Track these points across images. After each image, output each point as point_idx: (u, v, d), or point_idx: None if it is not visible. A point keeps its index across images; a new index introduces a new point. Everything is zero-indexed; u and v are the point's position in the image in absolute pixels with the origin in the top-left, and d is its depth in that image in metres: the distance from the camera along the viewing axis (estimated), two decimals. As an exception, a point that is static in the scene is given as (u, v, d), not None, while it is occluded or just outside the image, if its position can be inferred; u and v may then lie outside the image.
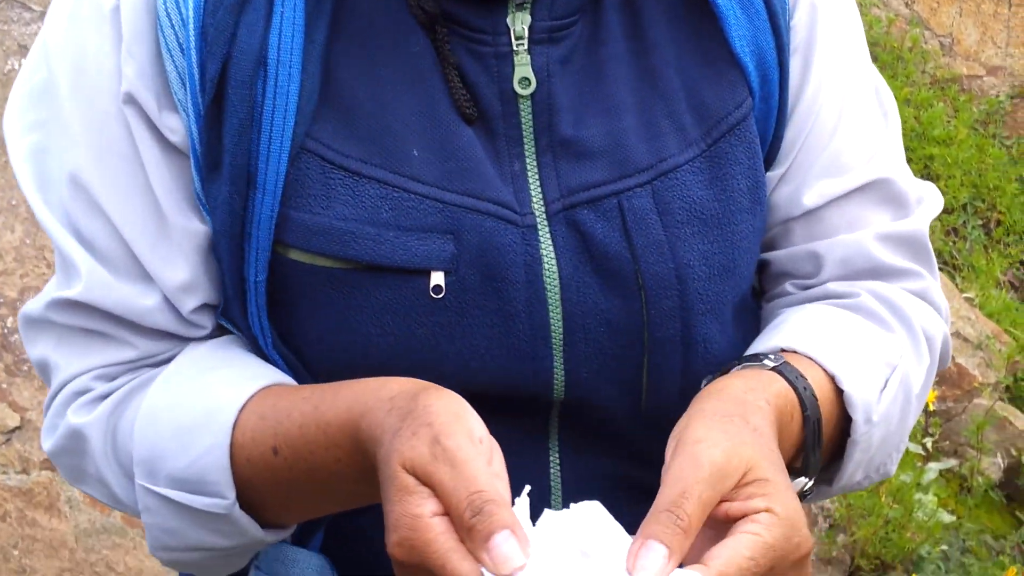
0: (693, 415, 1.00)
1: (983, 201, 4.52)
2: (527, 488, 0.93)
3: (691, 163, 1.15)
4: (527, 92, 1.12)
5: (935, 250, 4.34)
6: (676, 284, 1.13)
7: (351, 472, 1.04)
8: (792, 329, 1.17)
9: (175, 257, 1.14)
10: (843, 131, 1.23)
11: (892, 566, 3.25)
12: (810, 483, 1.12)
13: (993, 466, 3.65)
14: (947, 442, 3.68)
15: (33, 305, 1.17)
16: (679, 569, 0.86)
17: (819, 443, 1.10)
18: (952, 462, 3.49)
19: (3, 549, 2.94)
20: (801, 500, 1.09)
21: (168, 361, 1.18)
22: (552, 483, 1.18)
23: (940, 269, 4.19)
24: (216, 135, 1.10)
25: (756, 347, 1.17)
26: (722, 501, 0.92)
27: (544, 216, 1.12)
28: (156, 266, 1.13)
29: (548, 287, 1.11)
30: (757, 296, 1.31)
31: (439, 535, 0.89)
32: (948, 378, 3.73)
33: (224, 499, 1.09)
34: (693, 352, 1.16)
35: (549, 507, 1.15)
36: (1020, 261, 4.43)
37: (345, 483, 1.06)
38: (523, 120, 1.13)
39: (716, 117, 1.17)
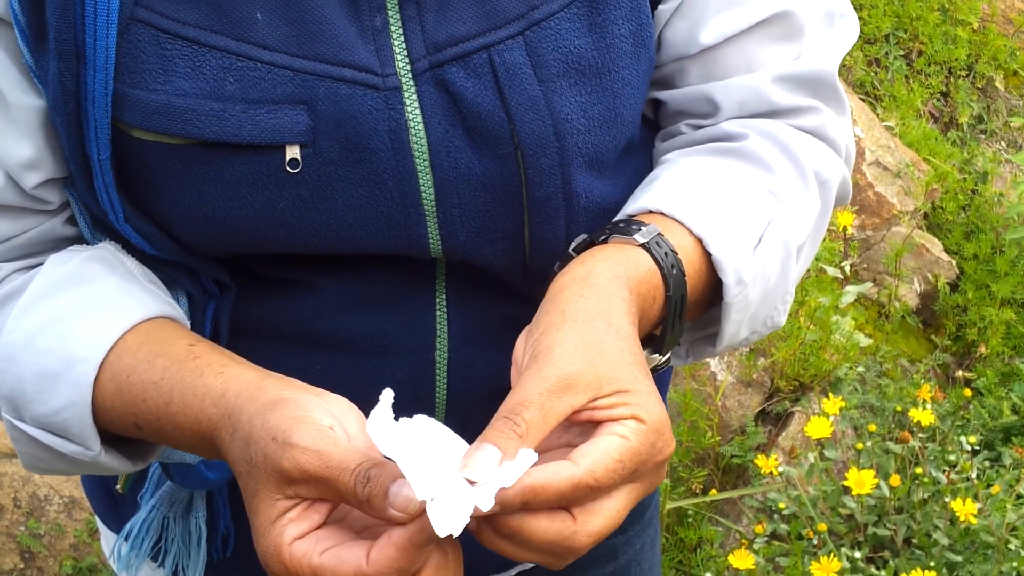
0: (552, 320, 0.96)
1: (905, 31, 4.52)
2: (387, 392, 0.91)
3: (566, 9, 1.08)
4: None
5: (857, 81, 4.37)
6: (554, 141, 1.08)
7: (214, 457, 1.02)
8: (663, 188, 1.12)
9: (13, 134, 1.07)
10: None
11: (810, 387, 3.32)
12: (664, 359, 1.09)
13: (910, 292, 3.71)
14: (866, 270, 3.74)
15: None
16: (551, 463, 0.88)
17: (680, 319, 1.07)
18: (869, 285, 3.55)
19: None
20: (656, 372, 1.07)
21: (29, 245, 1.14)
22: (438, 329, 1.16)
23: (862, 99, 4.22)
24: (39, 5, 1.02)
25: (627, 207, 1.12)
26: (583, 410, 0.91)
27: (409, 76, 1.05)
28: None
29: (416, 154, 1.06)
30: (652, 129, 1.25)
31: (303, 556, 0.89)
32: (867, 206, 3.78)
33: (90, 450, 1.07)
34: (574, 205, 1.12)
35: (434, 358, 1.16)
36: (940, 92, 4.47)
37: (211, 456, 1.05)
38: None
39: None
